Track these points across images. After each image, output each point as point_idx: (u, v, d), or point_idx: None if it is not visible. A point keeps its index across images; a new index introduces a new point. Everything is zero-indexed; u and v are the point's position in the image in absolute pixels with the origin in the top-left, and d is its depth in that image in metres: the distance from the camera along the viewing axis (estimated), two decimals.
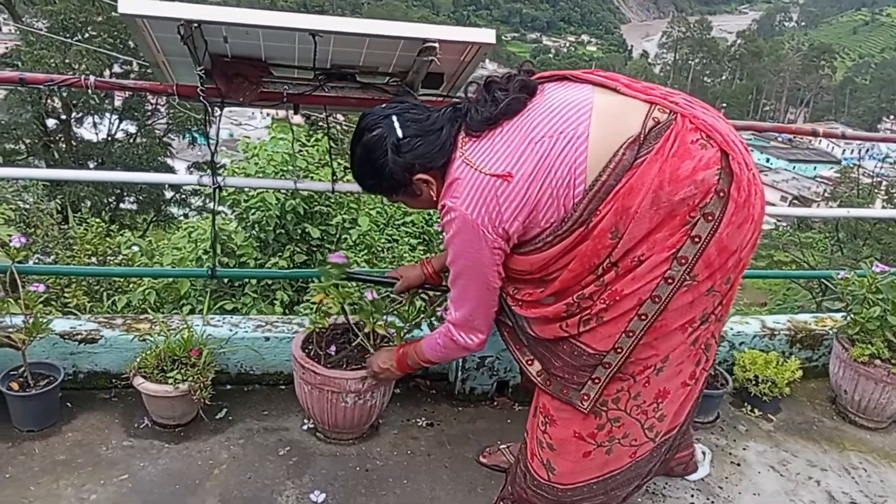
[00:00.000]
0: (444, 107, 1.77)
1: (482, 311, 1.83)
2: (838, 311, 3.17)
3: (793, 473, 2.57)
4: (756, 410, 2.90)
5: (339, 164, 6.21)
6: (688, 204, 1.53)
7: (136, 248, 8.25)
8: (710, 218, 1.54)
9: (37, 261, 10.47)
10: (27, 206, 13.07)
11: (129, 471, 2.30)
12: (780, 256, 22.74)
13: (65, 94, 21.79)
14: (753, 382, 2.86)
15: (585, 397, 1.79)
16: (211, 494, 2.25)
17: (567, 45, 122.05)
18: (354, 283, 2.40)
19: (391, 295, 2.41)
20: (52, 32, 21.86)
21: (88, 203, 21.69)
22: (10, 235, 2.28)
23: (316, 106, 2.48)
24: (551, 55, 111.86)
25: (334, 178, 2.60)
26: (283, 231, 6.71)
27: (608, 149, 1.56)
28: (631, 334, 1.66)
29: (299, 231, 6.67)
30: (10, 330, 2.36)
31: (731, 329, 3.08)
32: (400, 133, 1.72)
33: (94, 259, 8.32)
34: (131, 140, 24.59)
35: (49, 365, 2.48)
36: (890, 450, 2.76)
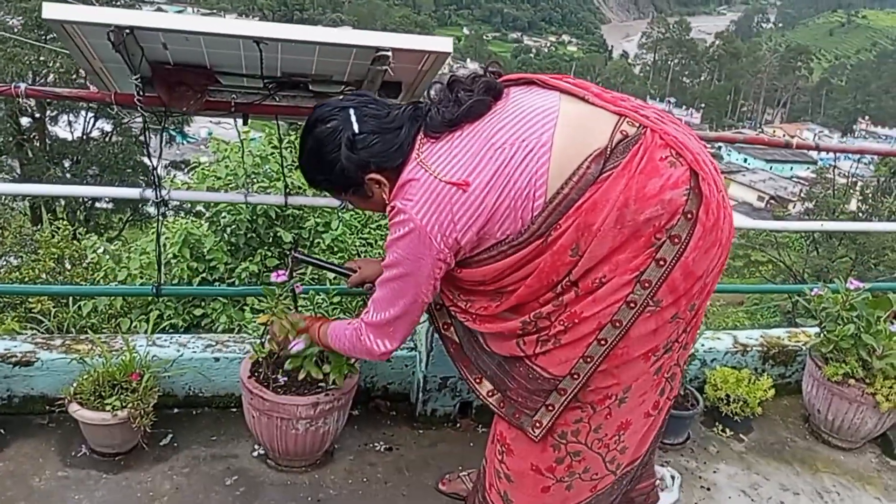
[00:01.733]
0: (405, 104, 1.65)
1: (403, 321, 1.68)
2: (812, 326, 3.09)
3: (764, 498, 2.49)
4: (727, 430, 2.82)
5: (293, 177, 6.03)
6: (653, 224, 1.44)
7: (101, 251, 8.04)
8: (676, 240, 1.45)
9: (4, 263, 10.23)
10: None
11: None
12: (756, 256, 22.90)
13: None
14: (725, 402, 2.77)
15: (538, 424, 1.68)
16: None
17: (548, 45, 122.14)
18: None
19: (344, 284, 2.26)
20: (26, 29, 21.46)
21: (63, 202, 21.36)
22: None
23: (267, 116, 2.34)
24: (532, 55, 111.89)
25: (287, 191, 2.46)
26: (254, 235, 6.56)
27: (572, 161, 1.47)
28: (589, 360, 1.56)
29: (271, 235, 6.52)
30: None
31: (703, 345, 2.99)
32: (356, 128, 1.59)
33: (55, 264, 8.12)
34: (107, 139, 24.23)
35: None
36: (864, 472, 2.68)
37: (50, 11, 1.72)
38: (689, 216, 1.44)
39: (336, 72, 2.22)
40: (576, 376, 1.59)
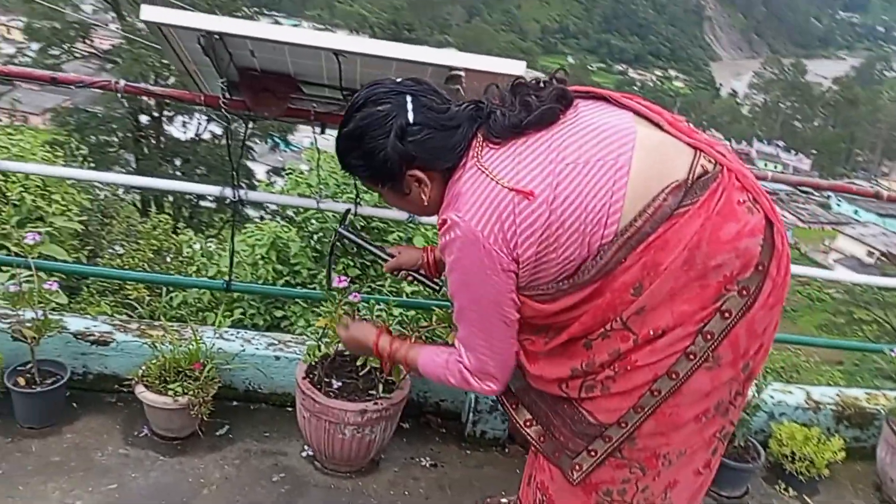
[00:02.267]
0: (465, 103, 1.48)
1: (498, 353, 1.50)
2: (892, 389, 2.90)
3: None
4: (790, 490, 2.67)
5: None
6: (723, 274, 1.33)
7: (196, 247, 8.42)
8: (744, 293, 1.34)
9: (111, 252, 10.85)
10: (104, 197, 13.59)
11: (120, 480, 2.27)
12: (860, 314, 21.63)
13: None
14: (790, 459, 2.64)
15: (577, 468, 1.56)
16: None
17: (654, 79, 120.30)
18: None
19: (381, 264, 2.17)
20: (152, 32, 22.82)
21: (171, 199, 22.52)
22: (26, 233, 2.25)
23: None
24: (636, 87, 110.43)
25: (357, 201, 2.53)
26: (339, 243, 6.72)
27: (649, 189, 1.34)
28: (640, 410, 1.44)
29: (355, 245, 6.68)
30: (27, 325, 2.37)
31: (772, 398, 2.86)
32: (411, 117, 1.42)
33: (153, 255, 8.55)
34: (216, 141, 25.41)
35: (58, 363, 2.48)
36: None
37: (147, 14, 1.84)
38: (761, 268, 1.35)
39: None
40: (623, 425, 1.48)
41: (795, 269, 3.39)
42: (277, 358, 2.64)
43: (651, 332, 1.37)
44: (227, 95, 2.22)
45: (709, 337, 1.36)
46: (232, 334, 2.72)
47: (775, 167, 66.53)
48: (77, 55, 25.68)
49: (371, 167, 1.49)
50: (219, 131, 25.12)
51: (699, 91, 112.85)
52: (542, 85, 1.47)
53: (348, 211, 2.25)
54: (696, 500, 1.69)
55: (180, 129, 26.10)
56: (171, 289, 6.78)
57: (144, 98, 23.72)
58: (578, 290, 1.39)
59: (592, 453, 1.53)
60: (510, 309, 1.45)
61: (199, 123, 24.96)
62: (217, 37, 1.91)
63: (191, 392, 2.35)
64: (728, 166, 1.37)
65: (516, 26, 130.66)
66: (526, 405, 1.68)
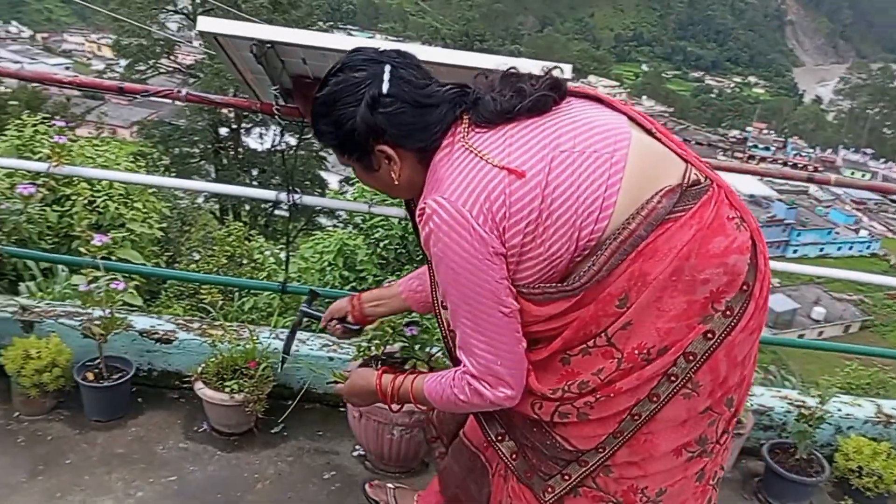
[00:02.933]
0: (449, 85, 1.40)
1: (504, 351, 1.33)
2: None
3: None
4: None
5: None
6: (710, 290, 1.26)
7: (267, 254, 8.66)
8: (728, 314, 1.27)
9: (189, 258, 11.28)
10: (186, 206, 14.15)
11: (179, 473, 2.36)
12: None
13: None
14: (856, 474, 2.52)
15: (549, 490, 1.47)
16: None
17: (732, 85, 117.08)
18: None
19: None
20: None
21: (248, 207, 23.26)
22: (91, 235, 2.38)
23: None
24: (713, 95, 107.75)
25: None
26: (404, 250, 6.81)
27: (643, 189, 1.26)
28: (619, 435, 1.36)
29: (420, 252, 6.75)
30: (96, 322, 2.50)
31: (839, 410, 2.75)
32: (385, 87, 1.33)
33: (227, 260, 8.84)
34: (291, 151, 26.12)
35: (124, 359, 2.60)
36: None
37: (203, 24, 1.92)
38: (745, 289, 1.28)
39: None
40: (601, 450, 1.39)
41: (884, 279, 3.26)
42: (331, 358, 2.70)
43: (636, 352, 1.28)
44: (281, 102, 2.30)
45: (691, 358, 1.28)
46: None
47: (863, 176, 63.72)
48: (162, 70, 26.87)
49: (339, 136, 1.39)
50: (294, 142, 25.86)
51: (780, 97, 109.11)
52: (536, 76, 1.40)
53: (314, 293, 2.23)
54: None
55: (257, 140, 26.93)
56: (242, 293, 6.99)
57: (224, 111, 24.73)
58: (566, 298, 1.30)
59: (566, 477, 1.45)
60: (508, 297, 1.31)
61: (275, 135, 25.71)
62: (269, 45, 1.98)
63: (246, 389, 2.43)
64: (717, 181, 1.32)
65: (589, 35, 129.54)
66: (498, 417, 1.56)
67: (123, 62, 26.81)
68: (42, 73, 2.57)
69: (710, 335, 1.27)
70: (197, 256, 11.06)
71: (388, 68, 1.34)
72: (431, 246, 1.31)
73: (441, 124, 1.35)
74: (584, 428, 1.37)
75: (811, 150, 79.62)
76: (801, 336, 33.45)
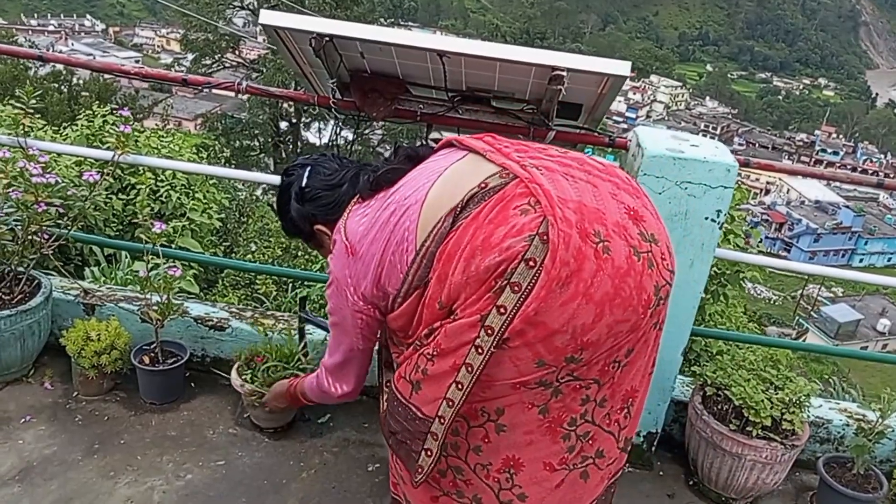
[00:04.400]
0: (354, 167, 1.82)
1: (350, 366, 1.86)
2: None
3: None
4: None
5: None
6: (492, 272, 1.39)
7: None
8: (516, 288, 1.37)
9: (246, 249, 11.52)
10: (244, 197, 14.44)
11: (227, 458, 2.41)
12: None
13: (295, 101, 23.88)
14: None
15: (419, 469, 1.65)
16: (293, 496, 2.29)
17: (800, 87, 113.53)
18: None
19: None
20: None
21: None
22: (152, 223, 2.45)
23: (449, 127, 2.46)
24: (780, 97, 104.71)
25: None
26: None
27: (435, 215, 1.52)
28: (451, 403, 1.52)
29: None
30: (154, 308, 2.57)
31: None
32: (304, 182, 1.80)
33: (282, 252, 8.99)
34: (348, 146, 26.45)
35: (179, 345, 2.66)
36: None
37: (265, 18, 1.95)
38: (531, 264, 1.36)
39: (517, 89, 2.28)
40: (442, 420, 1.54)
41: None
42: (379, 352, 2.71)
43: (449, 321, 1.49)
44: (338, 96, 2.32)
45: (490, 331, 1.41)
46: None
47: None
48: (227, 65, 27.49)
49: (291, 227, 1.88)
50: (350, 136, 26.19)
51: (851, 101, 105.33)
52: (398, 149, 1.74)
53: (304, 298, 2.60)
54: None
55: (315, 134, 27.32)
56: (296, 284, 7.10)
57: (285, 106, 25.20)
58: (404, 302, 1.58)
59: (428, 452, 1.61)
60: (358, 340, 1.76)
61: (334, 129, 26.07)
62: (327, 38, 1.99)
63: (257, 382, 2.43)
64: (522, 177, 1.45)
65: (652, 33, 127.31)
66: (388, 414, 1.75)
67: (190, 56, 27.50)
68: (109, 63, 2.66)
69: (502, 309, 1.39)
70: (253, 247, 11.29)
71: (308, 168, 1.82)
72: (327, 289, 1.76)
73: (345, 198, 1.76)
74: (426, 389, 1.55)
75: (881, 156, 76.74)
76: (863, 348, 32.33)
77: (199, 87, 2.64)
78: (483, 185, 1.49)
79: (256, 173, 3.78)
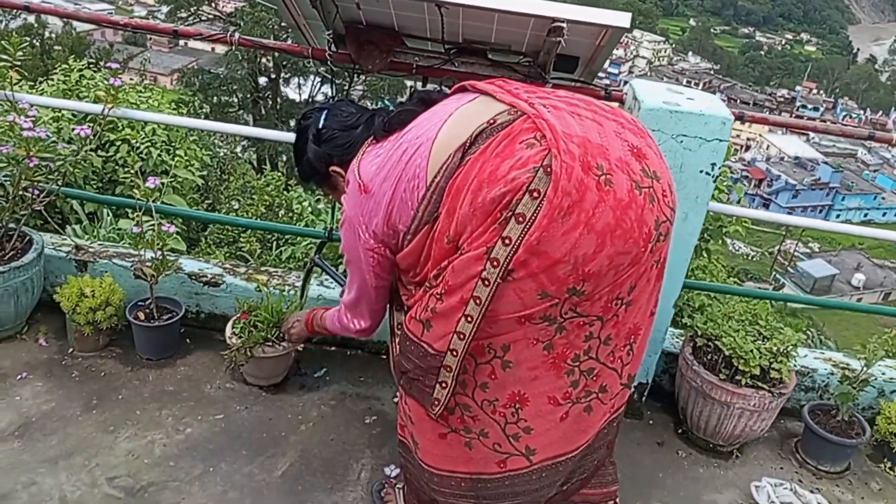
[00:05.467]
0: (369, 111, 1.88)
1: (364, 303, 1.91)
2: None
3: None
4: None
5: None
6: (498, 203, 1.44)
7: (305, 203, 8.70)
8: (520, 219, 1.41)
9: (228, 206, 11.42)
10: (225, 154, 14.25)
11: (226, 412, 2.43)
12: None
13: (275, 55, 23.39)
14: None
15: (436, 402, 1.70)
16: (293, 448, 2.32)
17: (783, 42, 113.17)
18: None
19: None
20: None
21: (285, 157, 23.40)
22: (139, 180, 2.42)
23: (446, 79, 2.43)
24: (763, 52, 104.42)
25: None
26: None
27: (445, 152, 1.56)
28: (462, 336, 1.57)
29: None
30: (147, 264, 2.56)
31: (883, 374, 2.72)
32: (321, 123, 1.85)
33: (265, 210, 8.92)
34: (342, 100, 26.05)
35: (174, 301, 2.66)
36: None
37: None
38: (535, 195, 1.40)
39: (514, 41, 2.26)
40: (454, 353, 1.60)
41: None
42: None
43: (455, 256, 1.53)
44: (334, 48, 2.28)
45: (496, 263, 1.45)
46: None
47: None
48: (203, 17, 26.85)
49: (306, 169, 1.91)
50: (331, 92, 25.82)
51: (833, 56, 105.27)
52: (413, 93, 1.81)
53: (323, 243, 2.55)
54: (577, 436, 1.74)
55: (296, 90, 26.91)
56: (280, 242, 7.06)
57: (263, 60, 24.70)
58: (414, 237, 1.63)
59: (443, 385, 1.66)
60: (371, 277, 1.80)
61: (314, 84, 25.68)
62: None
63: (244, 337, 2.45)
64: (528, 113, 1.49)
65: None
66: (400, 352, 1.80)
67: (165, 9, 26.84)
68: (98, 14, 2.59)
69: (507, 241, 1.43)
70: (236, 205, 11.18)
71: (325, 112, 1.87)
72: (341, 224, 1.80)
73: (360, 139, 1.81)
74: (437, 326, 1.59)
75: (861, 112, 77.14)
76: None
77: (187, 38, 2.59)
78: (491, 122, 1.53)
79: (247, 127, 3.71)
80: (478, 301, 1.50)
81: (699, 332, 2.57)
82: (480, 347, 1.59)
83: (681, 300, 5.01)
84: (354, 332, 2.01)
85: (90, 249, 2.82)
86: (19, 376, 2.44)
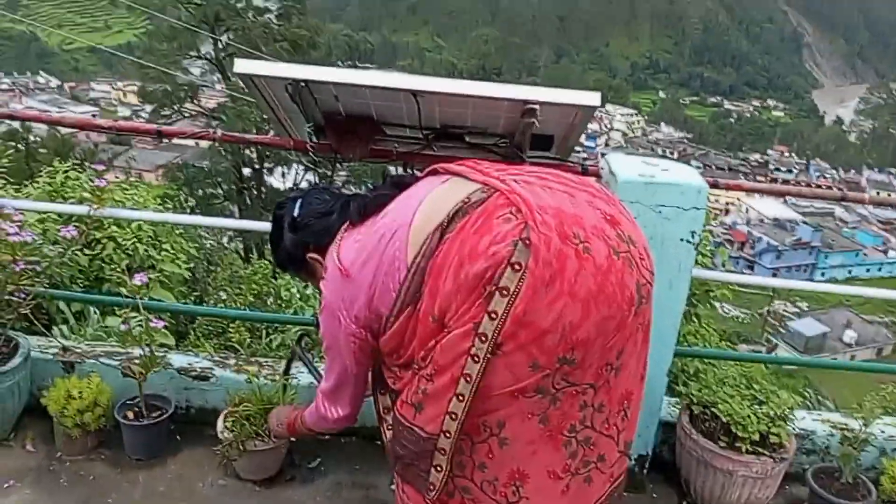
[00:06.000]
0: (344, 196, 1.90)
1: (344, 390, 1.91)
2: None
3: None
4: None
5: None
6: (481, 279, 1.46)
7: (293, 290, 8.68)
8: (504, 293, 1.44)
9: (216, 297, 11.37)
10: (211, 245, 14.29)
11: None
12: None
13: (258, 146, 23.79)
14: None
15: (431, 487, 1.67)
16: None
17: (751, 109, 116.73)
18: None
19: None
20: None
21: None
22: (126, 278, 2.43)
23: (426, 164, 2.49)
24: (732, 119, 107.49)
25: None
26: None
27: (423, 233, 1.58)
28: (454, 416, 1.56)
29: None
30: (136, 361, 2.53)
31: (882, 432, 2.69)
32: (296, 212, 1.88)
33: (254, 298, 8.89)
34: (315, 187, 26.35)
35: (163, 398, 2.63)
36: None
37: (240, 66, 1.98)
38: (517, 267, 1.43)
39: (490, 124, 2.33)
40: (447, 434, 1.59)
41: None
42: (373, 380, 2.70)
43: (442, 336, 1.52)
44: (314, 139, 2.34)
45: (484, 338, 1.46)
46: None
47: (889, 195, 62.82)
48: (186, 114, 27.38)
49: (283, 259, 1.94)
50: (316, 179, 26.14)
51: (800, 120, 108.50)
52: (386, 177, 1.84)
53: (304, 334, 2.59)
54: None
55: (280, 179, 27.25)
56: (270, 331, 7.01)
57: (247, 152, 25.11)
58: (396, 320, 1.63)
59: (438, 468, 1.63)
60: (352, 363, 1.79)
61: (297, 173, 26.04)
62: (303, 84, 2.03)
63: (235, 430, 2.42)
64: (501, 189, 1.52)
65: (605, 64, 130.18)
66: (390, 440, 1.79)
67: (149, 108, 27.40)
68: (83, 119, 2.66)
69: (493, 315, 1.45)
70: (224, 295, 11.14)
71: (299, 201, 1.89)
72: (319, 310, 1.81)
73: (335, 224, 1.82)
74: (428, 408, 1.59)
75: (833, 172, 78.93)
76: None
77: (170, 138, 2.65)
78: (466, 201, 1.56)
79: (233, 220, 3.76)
80: (468, 378, 1.51)
81: (695, 400, 2.55)
82: (475, 426, 1.58)
83: (675, 367, 5.01)
84: (332, 422, 1.98)
85: (77, 350, 2.79)
86: (6, 484, 2.38)
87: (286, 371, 2.59)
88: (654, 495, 2.64)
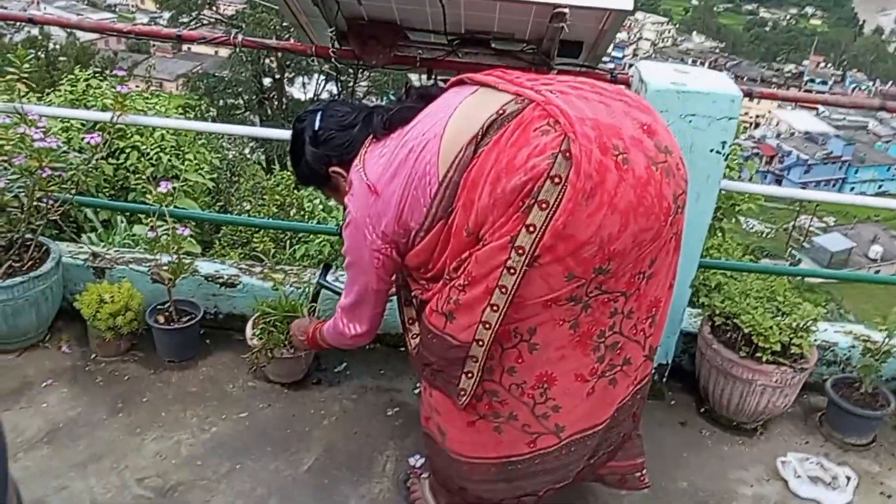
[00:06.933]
0: (366, 108, 1.84)
1: (363, 307, 1.91)
2: None
3: None
4: None
5: None
6: (518, 192, 1.44)
7: (316, 202, 8.73)
8: (544, 206, 1.43)
9: (240, 208, 11.47)
10: (234, 156, 14.31)
11: (249, 410, 2.46)
12: None
13: (279, 56, 23.41)
14: None
15: (462, 392, 1.71)
16: (317, 443, 2.35)
17: (787, 17, 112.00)
18: None
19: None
20: None
21: None
22: (159, 183, 2.44)
23: (450, 71, 2.43)
24: (767, 28, 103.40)
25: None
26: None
27: (455, 147, 1.56)
28: (487, 326, 1.58)
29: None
30: (164, 267, 2.58)
31: None
32: (317, 125, 1.83)
33: (277, 209, 8.95)
34: (334, 99, 26.06)
35: (192, 303, 2.69)
36: None
37: None
38: (557, 180, 1.41)
39: (517, 29, 2.26)
40: (480, 342, 1.61)
41: None
42: (391, 300, 2.74)
43: (478, 248, 1.52)
44: (337, 45, 2.29)
45: (521, 251, 1.46)
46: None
47: None
48: (204, 21, 26.93)
49: (305, 173, 1.90)
50: (335, 90, 25.81)
51: (839, 29, 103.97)
52: (409, 89, 1.79)
53: (328, 265, 2.52)
54: (602, 410, 1.77)
55: (300, 90, 26.94)
56: (294, 241, 7.09)
57: (267, 61, 24.74)
58: (427, 234, 1.64)
59: (469, 375, 1.67)
60: (373, 281, 1.81)
61: (318, 83, 25.70)
62: None
63: (264, 338, 2.47)
64: (537, 101, 1.49)
65: None
66: (420, 350, 1.82)
67: (167, 14, 26.93)
68: (101, 23, 2.61)
69: (531, 228, 1.44)
70: (247, 206, 11.23)
71: (319, 114, 1.84)
72: (343, 226, 1.80)
73: (358, 138, 1.78)
74: (460, 318, 1.60)
75: (870, 83, 76.29)
76: None
77: (191, 43, 2.60)
78: (501, 112, 1.52)
79: (255, 128, 3.74)
80: (503, 290, 1.51)
81: (717, 311, 2.56)
82: (506, 333, 1.60)
83: (697, 280, 5.02)
84: (350, 338, 2.00)
85: (107, 256, 2.85)
86: (44, 384, 2.48)
87: (314, 299, 2.59)
88: (673, 403, 2.69)
